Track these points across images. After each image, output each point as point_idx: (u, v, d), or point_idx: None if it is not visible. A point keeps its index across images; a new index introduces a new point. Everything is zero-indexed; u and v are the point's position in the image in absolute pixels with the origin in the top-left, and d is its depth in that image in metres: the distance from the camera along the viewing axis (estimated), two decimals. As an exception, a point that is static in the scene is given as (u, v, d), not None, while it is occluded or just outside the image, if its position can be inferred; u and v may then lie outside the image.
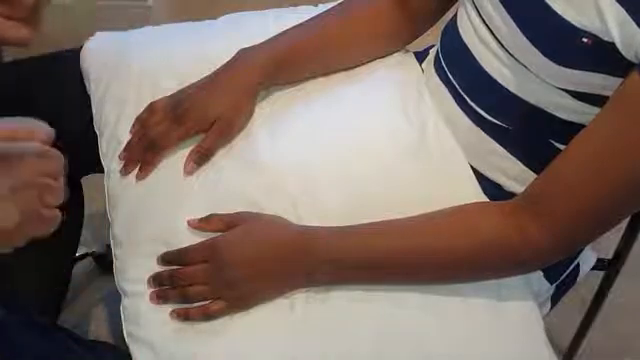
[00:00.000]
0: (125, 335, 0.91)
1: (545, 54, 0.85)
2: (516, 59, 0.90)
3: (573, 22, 0.81)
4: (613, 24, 0.78)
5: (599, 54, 0.81)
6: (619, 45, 0.79)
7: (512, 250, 0.88)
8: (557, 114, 0.91)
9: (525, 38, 0.86)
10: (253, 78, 1.03)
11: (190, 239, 0.94)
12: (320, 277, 0.91)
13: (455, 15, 1.04)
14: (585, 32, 0.81)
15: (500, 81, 0.94)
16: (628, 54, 0.79)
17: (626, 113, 0.79)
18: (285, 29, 1.07)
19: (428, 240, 0.91)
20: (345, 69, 1.10)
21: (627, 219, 1.22)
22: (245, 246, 0.91)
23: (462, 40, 1.00)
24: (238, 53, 1.04)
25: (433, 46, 1.13)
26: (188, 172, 1.00)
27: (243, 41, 1.06)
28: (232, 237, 0.92)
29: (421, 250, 0.91)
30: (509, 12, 0.88)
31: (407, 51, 1.15)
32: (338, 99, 1.07)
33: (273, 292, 0.91)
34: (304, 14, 1.12)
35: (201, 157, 1.00)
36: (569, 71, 0.84)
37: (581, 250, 1.07)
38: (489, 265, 0.91)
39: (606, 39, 0.80)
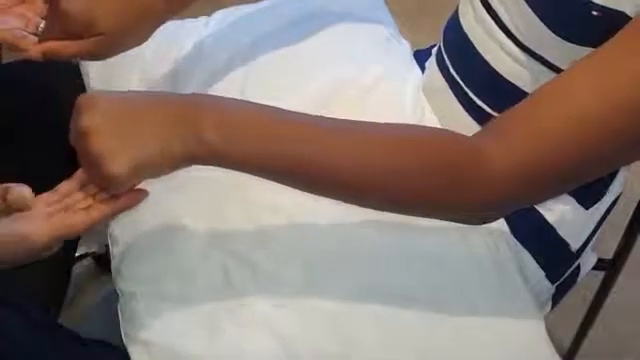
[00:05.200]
0: (123, 335, 0.91)
1: (557, 33, 0.84)
2: (524, 48, 0.90)
3: None
4: None
5: (607, 27, 0.80)
6: (632, 10, 0.78)
7: (461, 169, 0.76)
8: None
9: (537, 18, 0.86)
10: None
11: (189, 238, 0.94)
12: (214, 139, 0.73)
13: (457, 10, 1.04)
14: (595, 4, 0.80)
15: (506, 75, 0.94)
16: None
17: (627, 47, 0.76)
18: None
19: (363, 146, 0.77)
20: None
21: (627, 220, 1.22)
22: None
23: (465, 34, 0.99)
24: None
25: (435, 45, 1.13)
26: (31, 55, 0.87)
27: (242, 38, 1.06)
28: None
29: (351, 148, 0.76)
30: None
31: (409, 53, 1.16)
32: (333, 103, 1.06)
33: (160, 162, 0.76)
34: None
35: (51, 56, 0.87)
36: (577, 48, 0.84)
37: (582, 250, 1.07)
38: (434, 189, 0.77)
39: (618, 8, 0.79)
